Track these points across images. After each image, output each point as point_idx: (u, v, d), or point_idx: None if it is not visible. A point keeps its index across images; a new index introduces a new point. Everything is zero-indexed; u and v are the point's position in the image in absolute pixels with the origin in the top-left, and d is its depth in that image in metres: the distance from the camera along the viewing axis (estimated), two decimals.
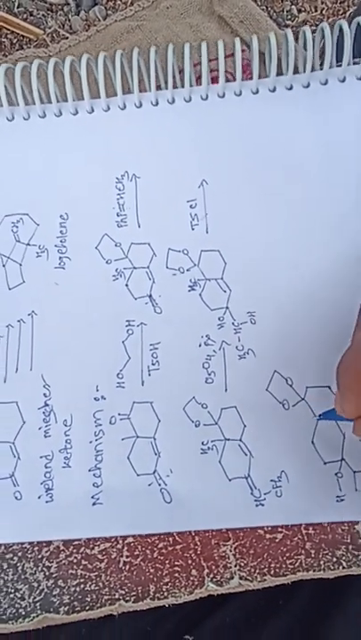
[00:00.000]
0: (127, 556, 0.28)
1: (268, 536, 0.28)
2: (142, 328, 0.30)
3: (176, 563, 0.28)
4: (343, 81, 0.32)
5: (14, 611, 0.28)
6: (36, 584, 0.28)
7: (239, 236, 0.31)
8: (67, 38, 0.38)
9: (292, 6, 0.38)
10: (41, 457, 0.29)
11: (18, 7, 0.39)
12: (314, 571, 0.28)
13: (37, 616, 0.28)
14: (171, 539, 0.28)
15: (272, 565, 0.28)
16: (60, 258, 0.32)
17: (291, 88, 0.32)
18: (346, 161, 0.32)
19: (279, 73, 0.32)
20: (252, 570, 0.28)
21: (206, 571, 0.28)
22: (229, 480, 0.28)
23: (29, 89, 0.33)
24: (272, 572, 0.28)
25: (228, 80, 0.33)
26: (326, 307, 0.30)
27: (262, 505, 0.27)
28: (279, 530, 0.28)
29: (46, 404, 0.29)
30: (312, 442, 0.28)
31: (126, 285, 0.31)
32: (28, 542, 0.29)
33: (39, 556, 0.29)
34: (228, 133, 0.33)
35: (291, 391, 0.29)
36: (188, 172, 0.32)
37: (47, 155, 0.33)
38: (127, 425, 0.29)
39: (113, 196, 0.33)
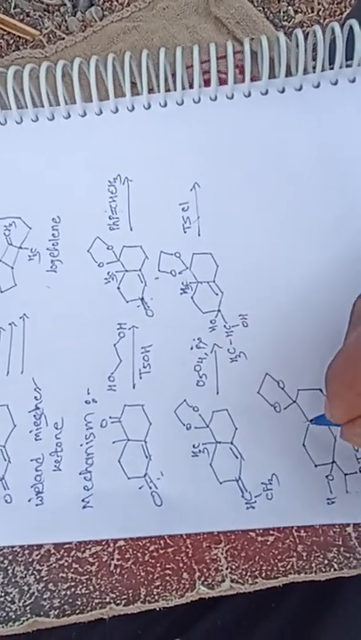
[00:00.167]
0: (118, 560, 0.28)
1: (259, 539, 0.28)
2: (134, 331, 0.30)
3: (167, 566, 0.28)
4: (335, 84, 0.32)
5: (4, 614, 0.28)
6: (26, 587, 0.28)
7: (231, 238, 0.31)
8: (63, 39, 0.38)
9: (289, 7, 0.38)
10: (31, 460, 0.29)
11: (14, 8, 0.39)
12: (305, 573, 0.28)
13: (27, 619, 0.28)
14: (162, 542, 0.28)
15: (263, 568, 0.28)
16: (52, 261, 0.32)
17: (283, 91, 0.33)
18: (339, 163, 0.32)
19: (272, 76, 0.32)
20: (244, 573, 0.28)
21: (197, 574, 0.28)
22: (220, 483, 0.28)
23: (22, 93, 0.33)
24: (263, 575, 0.28)
25: (221, 82, 0.33)
26: (318, 310, 0.30)
27: (253, 508, 0.27)
28: (271, 532, 0.28)
29: (37, 407, 0.29)
30: (303, 444, 0.28)
31: (118, 288, 0.31)
32: (18, 545, 0.28)
33: (30, 560, 0.28)
34: (220, 136, 0.33)
35: (282, 394, 0.29)
36: (179, 175, 0.32)
37: (39, 158, 0.33)
38: (118, 428, 0.29)
39: (105, 200, 0.33)
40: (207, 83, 0.33)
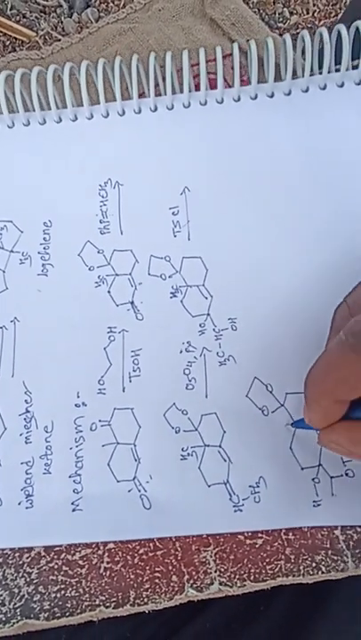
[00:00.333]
0: (108, 562, 0.28)
1: (248, 542, 0.28)
2: (124, 334, 0.31)
3: (156, 569, 0.28)
4: (324, 88, 0.32)
5: None
6: (16, 590, 0.28)
7: (221, 242, 0.31)
8: (59, 40, 0.39)
9: (284, 9, 0.38)
10: (21, 463, 0.29)
11: (10, 9, 0.39)
12: (293, 576, 0.28)
13: (18, 622, 0.28)
14: (151, 545, 0.28)
15: (252, 571, 0.28)
16: (43, 265, 0.32)
17: (272, 95, 0.33)
18: (329, 168, 0.32)
19: (262, 80, 0.33)
20: (232, 575, 0.28)
21: (186, 576, 0.28)
22: (208, 486, 0.28)
23: (13, 97, 0.33)
24: (252, 578, 0.28)
25: (212, 86, 0.33)
26: (307, 314, 0.30)
27: (241, 510, 0.28)
28: (259, 535, 0.28)
29: (27, 411, 0.30)
30: (290, 448, 0.28)
31: (108, 292, 0.31)
32: (8, 548, 0.29)
33: (20, 562, 0.29)
34: (210, 141, 0.33)
35: (270, 397, 0.29)
36: (170, 180, 0.33)
37: (31, 162, 0.34)
38: (108, 431, 0.29)
39: (96, 204, 0.33)
40: (198, 86, 0.33)
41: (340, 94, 0.32)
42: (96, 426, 0.29)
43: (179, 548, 0.28)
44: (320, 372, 0.23)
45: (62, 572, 0.28)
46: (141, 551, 0.28)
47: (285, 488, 0.28)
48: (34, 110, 0.34)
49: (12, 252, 0.32)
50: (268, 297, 0.30)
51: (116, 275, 0.32)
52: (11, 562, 0.29)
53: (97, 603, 0.28)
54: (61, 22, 0.39)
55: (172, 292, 0.31)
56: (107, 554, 0.28)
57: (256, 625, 0.29)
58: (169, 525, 0.28)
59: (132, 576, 0.28)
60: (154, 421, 0.29)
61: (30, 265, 0.32)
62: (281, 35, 0.37)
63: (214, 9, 0.37)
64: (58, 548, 0.29)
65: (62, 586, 0.28)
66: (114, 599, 0.28)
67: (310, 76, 0.32)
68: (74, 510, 0.28)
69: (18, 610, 0.28)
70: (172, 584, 0.28)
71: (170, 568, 0.28)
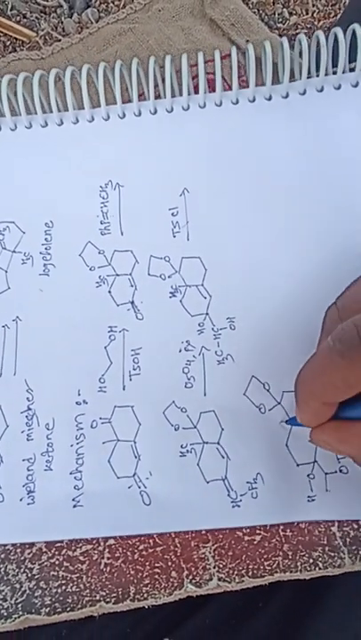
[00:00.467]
0: (108, 558, 0.29)
1: (246, 538, 0.29)
2: (124, 334, 0.31)
3: (156, 564, 0.28)
4: (321, 91, 0.33)
5: None
6: (18, 585, 0.29)
7: (220, 243, 0.32)
8: (59, 40, 0.39)
9: (284, 9, 0.38)
10: (23, 460, 0.29)
11: (11, 10, 0.40)
12: (291, 572, 0.28)
13: (19, 617, 0.28)
14: (151, 541, 0.29)
15: (250, 567, 0.28)
16: (45, 265, 0.33)
17: (270, 98, 0.33)
18: (326, 169, 0.32)
19: (261, 83, 0.33)
20: (231, 571, 0.28)
21: (186, 572, 0.28)
22: (207, 482, 0.28)
23: (16, 101, 0.34)
24: (250, 574, 0.28)
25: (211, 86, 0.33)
26: (304, 314, 0.30)
27: (238, 506, 0.28)
28: (257, 532, 0.29)
29: (29, 408, 0.30)
30: (286, 445, 0.28)
31: (109, 292, 0.32)
32: (10, 544, 0.29)
33: (22, 558, 0.29)
34: (209, 143, 0.33)
35: (268, 395, 0.29)
36: (169, 181, 0.33)
37: (33, 164, 0.34)
38: (108, 429, 0.30)
39: (97, 205, 0.33)
40: (197, 88, 0.34)
41: (338, 96, 0.33)
42: (97, 423, 0.30)
43: (178, 545, 0.29)
44: (309, 375, 0.23)
45: (63, 568, 0.29)
46: (141, 547, 0.29)
47: (282, 484, 0.28)
48: (36, 113, 0.34)
49: (14, 252, 0.33)
50: (266, 297, 0.31)
51: (117, 275, 0.32)
52: (12, 557, 0.29)
53: (97, 598, 0.28)
54: (61, 22, 0.40)
55: (171, 292, 0.31)
56: (107, 550, 0.29)
57: (255, 621, 0.29)
58: (168, 521, 0.28)
59: (132, 572, 0.28)
60: (153, 419, 0.29)
61: (32, 265, 0.33)
62: (281, 35, 0.37)
63: (214, 9, 0.38)
64: (59, 544, 0.29)
65: (63, 581, 0.28)
66: (114, 594, 0.28)
67: (308, 78, 0.32)
68: (75, 506, 0.29)
69: (19, 605, 0.28)
70: (171, 580, 0.28)
71: (169, 564, 0.28)
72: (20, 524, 0.29)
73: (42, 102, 0.34)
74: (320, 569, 0.28)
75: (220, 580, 0.28)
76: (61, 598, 0.28)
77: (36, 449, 0.29)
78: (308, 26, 0.38)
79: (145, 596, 0.28)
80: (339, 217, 0.31)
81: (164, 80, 0.33)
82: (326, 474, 0.28)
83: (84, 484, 0.29)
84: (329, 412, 0.23)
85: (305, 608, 0.29)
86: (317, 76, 0.33)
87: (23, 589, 0.29)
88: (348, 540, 0.28)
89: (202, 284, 0.31)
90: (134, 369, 0.30)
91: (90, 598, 0.28)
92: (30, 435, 0.30)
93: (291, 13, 0.38)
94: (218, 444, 0.29)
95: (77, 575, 0.29)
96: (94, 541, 0.29)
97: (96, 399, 0.30)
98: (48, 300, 0.32)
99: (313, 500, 0.28)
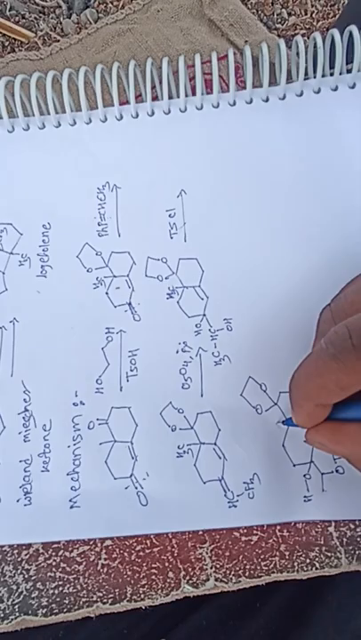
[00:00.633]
0: (105, 559, 0.29)
1: (243, 538, 0.29)
2: (121, 335, 0.31)
3: (153, 565, 0.28)
4: (318, 92, 0.33)
5: None
6: (15, 586, 0.29)
7: (216, 244, 0.32)
8: (58, 41, 0.39)
9: (283, 10, 0.38)
10: (20, 461, 0.29)
11: (10, 10, 0.40)
12: (288, 572, 0.28)
13: (16, 618, 0.28)
14: (148, 541, 0.29)
15: (247, 567, 0.28)
16: (42, 266, 0.33)
17: (267, 100, 0.33)
18: (322, 171, 0.32)
19: (258, 84, 0.33)
20: (228, 572, 0.28)
21: (183, 573, 0.28)
22: (204, 483, 0.28)
23: (14, 102, 0.34)
24: (247, 574, 0.28)
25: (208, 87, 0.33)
26: (301, 315, 0.30)
27: (235, 506, 0.28)
28: (254, 532, 0.29)
29: (26, 410, 0.30)
30: (283, 445, 0.29)
31: (106, 293, 0.32)
32: (7, 545, 0.29)
33: (19, 559, 0.29)
34: (206, 144, 0.33)
35: (264, 396, 0.29)
36: (167, 183, 0.33)
37: (31, 166, 0.34)
38: (105, 430, 0.30)
39: (94, 206, 0.33)
40: (194, 89, 0.34)
41: (335, 98, 0.33)
42: (94, 424, 0.30)
43: (175, 545, 0.29)
44: (302, 377, 0.23)
45: (60, 569, 0.29)
46: (138, 548, 0.29)
47: (278, 484, 0.28)
48: (33, 115, 0.34)
49: (11, 253, 0.33)
50: (263, 298, 0.31)
51: (114, 276, 0.32)
52: (9, 559, 0.29)
53: (94, 599, 0.28)
54: (60, 23, 0.40)
55: (168, 293, 0.31)
56: (104, 551, 0.29)
57: (252, 621, 0.29)
58: (165, 521, 0.28)
59: (128, 572, 0.28)
60: (150, 420, 0.30)
61: (29, 266, 0.33)
62: (279, 36, 0.37)
63: (213, 10, 0.38)
64: (56, 545, 0.29)
65: (60, 582, 0.28)
66: (111, 595, 0.28)
67: (305, 80, 0.33)
68: (72, 507, 0.29)
69: (16, 606, 0.28)
70: (168, 580, 0.28)
71: (166, 564, 0.28)
72: (17, 525, 0.29)
73: (39, 104, 0.34)
74: (317, 569, 0.28)
75: (216, 580, 0.28)
76: (58, 599, 0.28)
77: (33, 450, 0.29)
78: (307, 26, 0.38)
79: (142, 596, 0.28)
80: (335, 218, 0.32)
81: (161, 82, 0.33)
82: (323, 474, 0.28)
83: (81, 484, 0.29)
84: (323, 413, 0.23)
85: (302, 608, 0.29)
86: (315, 77, 0.33)
87: (20, 590, 0.29)
88: (344, 540, 0.28)
89: (199, 286, 0.31)
90: (131, 370, 0.30)
91: (87, 599, 0.28)
92: (27, 436, 0.30)
93: (290, 14, 0.39)
94: (215, 444, 0.29)
95: (74, 576, 0.29)
96: (91, 542, 0.29)
97: (93, 400, 0.30)
98: (45, 302, 0.32)
99: (309, 500, 0.28)
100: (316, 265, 0.31)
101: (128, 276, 0.32)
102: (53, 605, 0.28)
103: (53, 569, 0.29)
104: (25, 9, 0.40)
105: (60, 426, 0.30)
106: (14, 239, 0.33)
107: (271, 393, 0.29)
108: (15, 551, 0.29)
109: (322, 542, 0.28)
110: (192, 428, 0.29)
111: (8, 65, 0.38)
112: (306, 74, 0.33)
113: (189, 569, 0.28)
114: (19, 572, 0.29)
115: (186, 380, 0.30)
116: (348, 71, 0.33)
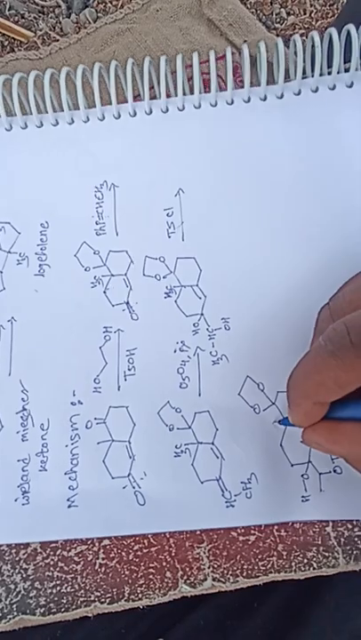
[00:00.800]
0: (103, 559, 0.29)
1: (241, 538, 0.29)
2: (119, 334, 0.31)
3: (151, 565, 0.28)
4: (316, 91, 0.33)
5: None
6: (13, 586, 0.29)
7: (214, 243, 0.32)
8: (57, 41, 0.39)
9: (282, 9, 0.38)
10: (18, 460, 0.29)
11: (9, 10, 0.40)
12: (285, 572, 0.28)
13: (14, 617, 0.28)
14: (146, 541, 0.29)
15: (245, 567, 0.28)
16: (40, 265, 0.33)
17: (265, 99, 0.33)
18: (321, 170, 0.32)
19: (255, 84, 0.33)
20: (225, 571, 0.28)
21: (180, 572, 0.28)
22: (201, 482, 0.28)
23: (11, 101, 0.34)
24: (244, 574, 0.28)
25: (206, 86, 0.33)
26: (299, 314, 0.30)
27: (233, 506, 0.28)
28: (252, 532, 0.29)
29: (24, 409, 0.30)
30: (281, 445, 0.28)
31: (104, 292, 0.32)
32: (5, 544, 0.29)
33: (16, 558, 0.29)
34: (204, 143, 0.33)
35: (262, 396, 0.29)
36: (164, 182, 0.33)
37: (29, 165, 0.34)
38: (103, 429, 0.30)
39: (92, 205, 0.33)
40: (192, 89, 0.34)
41: (332, 97, 0.33)
42: (91, 424, 0.30)
43: (173, 545, 0.29)
44: (301, 375, 0.23)
45: (58, 569, 0.29)
46: (136, 547, 0.29)
47: (276, 484, 0.28)
48: (31, 113, 0.34)
49: (9, 252, 0.33)
50: (260, 297, 0.31)
51: (112, 275, 0.32)
52: (7, 558, 0.29)
53: (92, 598, 0.28)
54: (60, 23, 0.40)
55: (166, 293, 0.31)
56: (102, 550, 0.29)
57: (250, 621, 0.29)
58: (163, 521, 0.28)
59: (126, 572, 0.28)
60: (148, 419, 0.30)
61: (27, 265, 0.33)
62: (278, 35, 0.37)
63: (212, 9, 0.38)
64: (54, 545, 0.29)
65: (58, 582, 0.28)
66: (109, 595, 0.28)
67: (303, 79, 0.33)
68: (69, 507, 0.29)
69: (14, 605, 0.28)
70: (165, 580, 0.28)
71: (164, 564, 0.28)
72: (15, 525, 0.29)
73: (37, 102, 0.34)
74: (314, 569, 0.28)
75: (214, 580, 0.28)
76: (56, 599, 0.28)
77: (31, 449, 0.29)
78: (306, 26, 0.38)
79: (139, 596, 0.28)
80: (333, 217, 0.31)
81: (159, 81, 0.33)
82: (320, 474, 0.28)
83: (79, 484, 0.29)
84: (320, 412, 0.23)
85: (300, 608, 0.29)
86: (312, 76, 0.33)
87: (18, 590, 0.29)
88: (342, 540, 0.28)
89: (197, 285, 0.31)
90: (129, 369, 0.30)
91: (84, 599, 0.28)
92: (25, 435, 0.30)
93: (288, 13, 0.39)
94: (212, 444, 0.29)
95: (72, 575, 0.29)
96: (89, 542, 0.29)
97: (91, 399, 0.30)
98: (43, 301, 0.32)
99: (307, 500, 0.28)
100: (315, 264, 0.31)
101: (126, 274, 0.32)
102: (51, 605, 0.28)
103: (51, 568, 0.29)
104: (24, 9, 0.40)
105: (58, 425, 0.30)
106: (12, 238, 0.33)
107: (269, 392, 0.29)
108: (13, 550, 0.29)
109: (319, 542, 0.28)
110: (190, 427, 0.29)
111: (7, 65, 0.38)
112: (304, 73, 0.32)
113: (187, 569, 0.28)
114: (17, 571, 0.29)
115: (183, 380, 0.30)
116: (346, 70, 0.33)
